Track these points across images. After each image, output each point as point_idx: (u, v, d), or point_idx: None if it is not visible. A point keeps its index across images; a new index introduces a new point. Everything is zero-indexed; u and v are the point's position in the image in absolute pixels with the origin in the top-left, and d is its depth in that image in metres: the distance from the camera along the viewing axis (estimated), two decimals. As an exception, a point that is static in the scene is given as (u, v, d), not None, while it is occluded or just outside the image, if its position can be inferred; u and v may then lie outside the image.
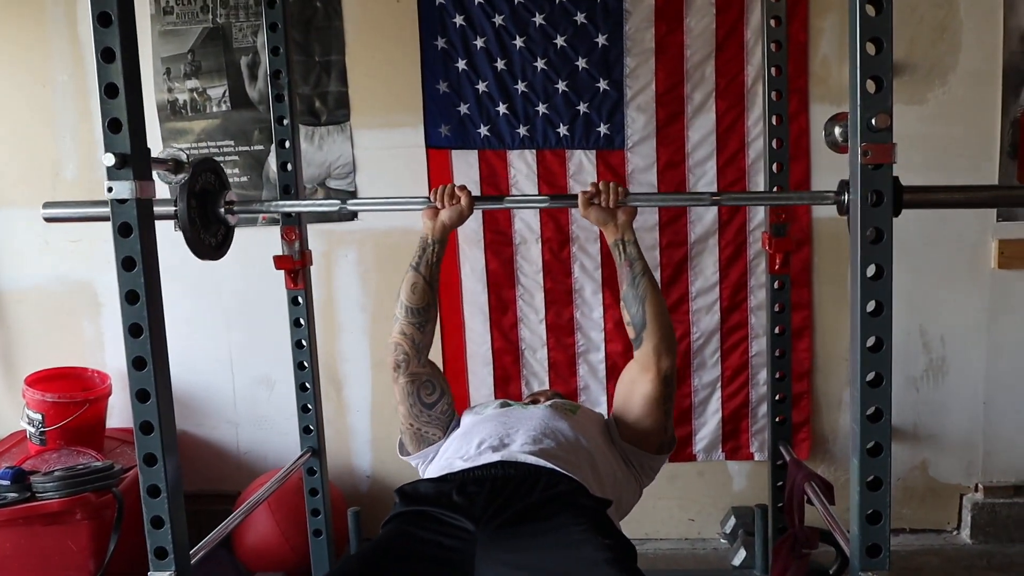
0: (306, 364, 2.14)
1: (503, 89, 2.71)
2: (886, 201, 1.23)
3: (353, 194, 2.83)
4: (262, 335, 2.83)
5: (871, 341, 1.26)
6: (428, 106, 2.74)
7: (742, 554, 2.55)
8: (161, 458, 1.34)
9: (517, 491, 1.42)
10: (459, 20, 2.69)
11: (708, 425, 2.82)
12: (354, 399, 2.94)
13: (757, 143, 2.67)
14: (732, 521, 2.73)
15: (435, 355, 2.77)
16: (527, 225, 2.77)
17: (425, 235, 1.71)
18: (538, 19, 2.68)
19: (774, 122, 2.09)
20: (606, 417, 1.84)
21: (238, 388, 2.98)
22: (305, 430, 2.17)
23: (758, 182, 2.67)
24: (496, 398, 2.78)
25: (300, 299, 2.11)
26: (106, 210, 1.31)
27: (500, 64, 2.70)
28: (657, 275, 2.73)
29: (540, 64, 2.70)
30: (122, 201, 1.29)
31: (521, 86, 2.71)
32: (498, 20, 2.68)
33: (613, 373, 2.81)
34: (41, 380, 2.78)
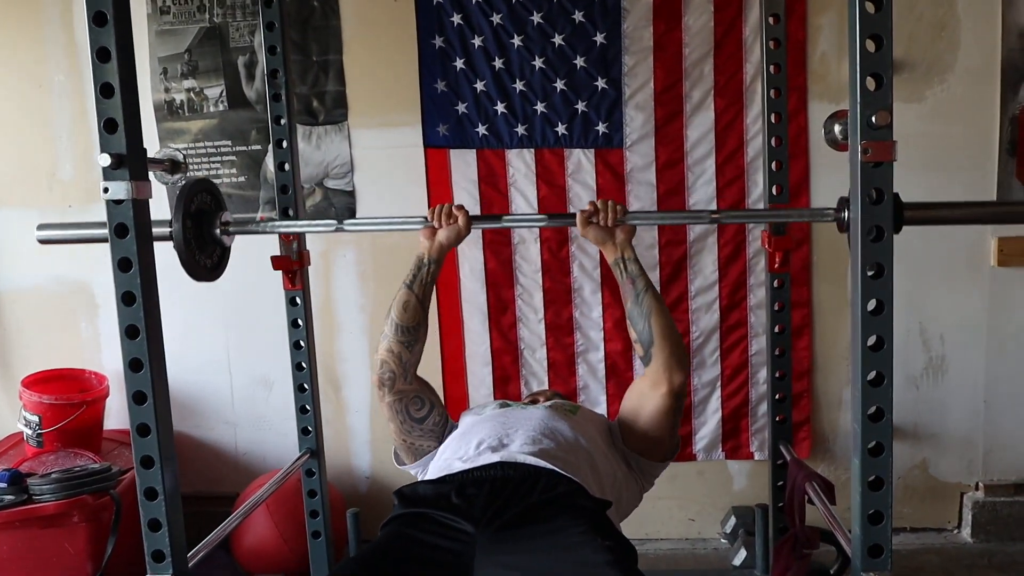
0: (304, 365, 2.14)
1: (501, 88, 2.71)
2: (886, 199, 1.23)
3: (352, 194, 2.82)
4: (260, 335, 2.82)
5: (872, 340, 1.25)
6: (426, 105, 2.74)
7: (743, 554, 2.55)
8: (158, 461, 1.33)
9: (516, 492, 1.42)
10: (457, 19, 2.69)
11: (708, 424, 2.82)
12: (353, 399, 2.93)
13: (756, 141, 2.66)
14: (732, 521, 2.72)
15: (434, 355, 2.80)
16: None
17: (422, 254, 1.70)
18: (536, 18, 2.67)
19: (773, 120, 2.09)
20: (607, 419, 1.83)
21: (236, 389, 2.97)
22: (303, 431, 2.16)
23: (757, 180, 2.67)
24: (495, 398, 2.77)
25: (298, 300, 2.11)
26: (102, 231, 1.30)
27: (498, 63, 2.70)
28: (656, 274, 2.73)
29: (538, 63, 2.69)
30: (118, 202, 1.28)
31: (519, 85, 2.71)
32: (496, 19, 2.68)
33: (612, 372, 2.81)
34: (38, 382, 2.77)
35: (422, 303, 1.68)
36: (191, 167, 2.82)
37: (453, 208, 1.69)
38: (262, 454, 2.98)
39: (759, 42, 2.48)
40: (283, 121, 2.07)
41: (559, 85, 2.70)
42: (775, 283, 2.12)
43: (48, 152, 2.90)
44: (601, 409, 2.78)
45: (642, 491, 1.73)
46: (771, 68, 2.07)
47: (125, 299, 1.30)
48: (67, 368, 2.91)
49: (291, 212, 2.09)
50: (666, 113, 2.69)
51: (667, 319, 1.63)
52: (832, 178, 2.65)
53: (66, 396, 2.70)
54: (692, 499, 2.89)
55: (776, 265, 2.07)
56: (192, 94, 2.82)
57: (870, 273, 1.24)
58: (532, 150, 2.73)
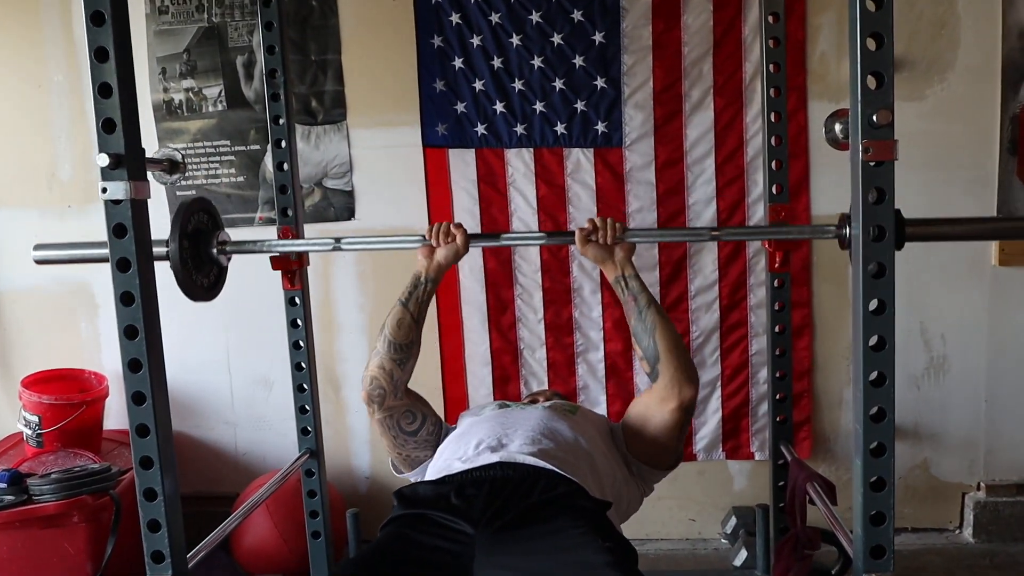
0: (304, 365, 2.13)
1: (500, 87, 2.70)
2: (887, 199, 1.22)
3: (350, 194, 2.82)
4: (260, 336, 2.82)
5: (874, 340, 1.24)
6: (425, 105, 2.73)
7: (743, 554, 2.54)
8: (158, 461, 1.32)
9: (516, 493, 1.41)
10: (455, 18, 2.68)
11: (708, 424, 2.81)
12: (353, 399, 2.92)
13: (756, 140, 2.66)
14: (733, 521, 2.72)
15: (433, 355, 2.79)
16: (524, 224, 2.76)
17: (419, 273, 1.70)
18: (535, 17, 2.67)
19: (773, 119, 2.08)
20: (608, 420, 1.83)
21: (236, 389, 2.96)
22: (303, 431, 2.15)
23: (757, 179, 2.67)
24: (495, 398, 2.77)
25: (297, 300, 2.10)
26: (101, 251, 1.29)
27: (497, 62, 2.69)
28: (656, 273, 2.73)
29: (537, 62, 2.69)
30: (116, 202, 1.28)
31: (518, 84, 2.70)
32: (495, 18, 2.67)
33: (612, 372, 2.80)
34: (38, 382, 2.77)
35: (417, 321, 1.68)
36: (190, 167, 2.81)
37: (452, 227, 1.69)
38: (262, 454, 2.98)
39: (758, 41, 2.48)
40: (282, 121, 2.07)
41: (558, 84, 2.69)
42: (775, 283, 2.11)
43: (47, 152, 2.89)
44: (601, 409, 2.78)
45: (642, 495, 1.73)
46: (771, 67, 2.06)
47: (124, 299, 1.29)
48: (67, 368, 2.91)
49: (290, 212, 2.08)
50: (665, 112, 2.69)
51: (672, 334, 1.62)
52: (832, 177, 2.65)
53: (66, 396, 2.70)
54: (692, 499, 2.89)
55: (776, 265, 2.06)
56: (191, 94, 2.81)
57: (872, 273, 1.23)
58: (531, 149, 2.73)
